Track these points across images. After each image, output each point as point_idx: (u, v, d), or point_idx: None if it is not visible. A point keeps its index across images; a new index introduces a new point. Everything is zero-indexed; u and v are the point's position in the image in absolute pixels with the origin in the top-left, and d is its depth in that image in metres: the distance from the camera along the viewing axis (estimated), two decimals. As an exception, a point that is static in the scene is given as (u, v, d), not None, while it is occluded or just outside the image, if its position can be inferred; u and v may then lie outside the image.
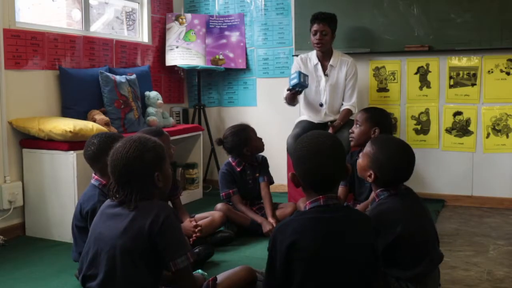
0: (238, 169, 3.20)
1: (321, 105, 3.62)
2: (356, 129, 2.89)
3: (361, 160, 1.98)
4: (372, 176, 1.91)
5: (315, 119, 3.65)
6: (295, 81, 3.31)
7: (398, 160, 1.90)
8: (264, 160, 3.31)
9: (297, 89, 3.38)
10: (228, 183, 3.17)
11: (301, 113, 3.79)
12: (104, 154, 2.18)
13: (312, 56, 3.68)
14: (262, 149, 3.24)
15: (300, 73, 3.33)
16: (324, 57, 3.64)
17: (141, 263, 1.64)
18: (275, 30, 4.32)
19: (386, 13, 3.86)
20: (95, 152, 2.26)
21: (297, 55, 4.04)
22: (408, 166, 1.92)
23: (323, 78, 3.61)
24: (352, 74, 3.62)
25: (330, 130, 3.40)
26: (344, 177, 1.73)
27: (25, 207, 3.14)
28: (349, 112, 3.57)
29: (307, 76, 3.40)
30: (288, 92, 3.43)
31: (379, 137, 2.08)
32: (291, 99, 3.50)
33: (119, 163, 1.69)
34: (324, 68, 3.63)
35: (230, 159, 3.25)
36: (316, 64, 3.63)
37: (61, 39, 3.39)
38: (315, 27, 3.54)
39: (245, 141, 3.16)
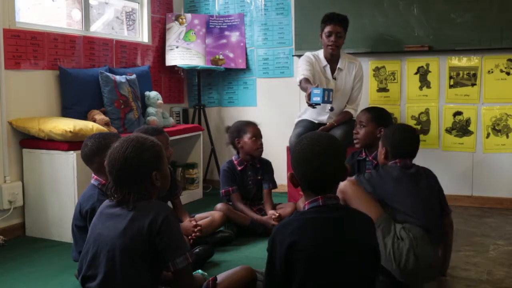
0: (239, 168, 3.21)
1: (332, 109, 3.37)
2: (361, 130, 2.88)
3: (379, 148, 2.42)
4: (384, 152, 2.35)
5: (316, 119, 3.62)
6: (317, 99, 2.92)
7: (400, 135, 2.35)
8: (269, 165, 3.31)
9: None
10: (228, 181, 3.18)
11: (302, 112, 3.76)
12: (96, 155, 2.22)
13: (320, 56, 3.56)
14: (252, 153, 3.18)
15: (324, 91, 2.93)
16: (333, 59, 3.54)
17: (141, 263, 1.64)
18: (275, 30, 4.32)
19: (386, 13, 3.85)
20: (88, 153, 2.29)
21: (297, 55, 4.05)
22: (408, 142, 2.35)
23: (331, 82, 3.53)
24: (360, 77, 3.57)
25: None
26: (344, 177, 1.73)
27: (25, 207, 3.14)
28: (348, 114, 3.53)
29: (332, 91, 2.99)
30: (306, 98, 3.06)
31: (390, 126, 2.57)
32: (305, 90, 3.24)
33: (116, 163, 1.69)
34: (332, 71, 3.54)
35: (233, 157, 3.26)
36: (325, 66, 3.53)
37: (61, 39, 3.39)
38: (330, 28, 3.42)
39: (238, 132, 3.18)
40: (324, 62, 3.54)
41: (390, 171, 2.30)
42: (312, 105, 2.99)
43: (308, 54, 3.58)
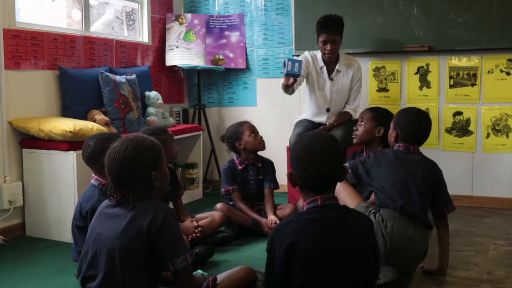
0: (240, 168, 3.22)
1: (328, 110, 3.53)
2: (360, 127, 2.89)
3: (390, 130, 2.45)
4: (394, 135, 2.40)
5: (316, 119, 3.62)
6: (288, 68, 3.13)
7: (410, 120, 2.40)
8: (271, 165, 3.30)
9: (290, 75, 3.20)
10: (229, 180, 3.19)
11: (302, 112, 3.76)
12: (100, 155, 2.19)
13: (318, 56, 3.54)
14: (257, 148, 3.21)
15: (294, 62, 3.11)
16: (331, 60, 3.50)
17: (141, 264, 1.64)
18: (275, 30, 4.32)
19: (386, 13, 3.85)
20: (91, 154, 2.28)
21: (297, 55, 4.04)
22: (415, 128, 2.39)
23: (328, 82, 3.52)
24: (358, 78, 3.55)
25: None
26: (343, 177, 1.74)
27: (25, 207, 3.14)
28: (347, 115, 3.52)
29: (300, 62, 3.13)
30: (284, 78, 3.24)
31: (404, 109, 2.61)
32: (286, 88, 3.33)
33: (116, 163, 1.69)
34: (330, 72, 3.52)
35: (234, 157, 3.28)
36: (322, 67, 3.51)
37: (61, 39, 3.39)
38: (324, 37, 3.37)
39: (236, 134, 3.20)
40: (321, 63, 3.53)
41: (387, 153, 2.37)
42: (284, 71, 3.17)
43: (306, 53, 3.58)
